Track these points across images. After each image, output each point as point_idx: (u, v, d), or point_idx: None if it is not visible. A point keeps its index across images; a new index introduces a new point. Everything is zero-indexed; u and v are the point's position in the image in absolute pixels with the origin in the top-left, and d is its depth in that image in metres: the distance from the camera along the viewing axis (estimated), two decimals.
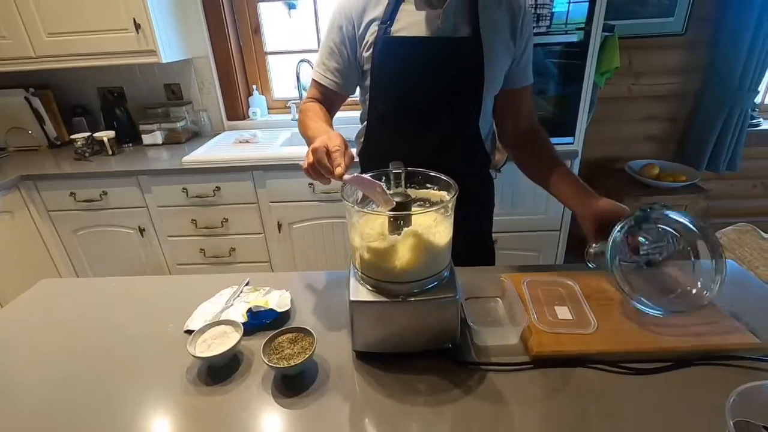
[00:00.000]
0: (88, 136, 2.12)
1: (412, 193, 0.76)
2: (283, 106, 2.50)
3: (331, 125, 0.91)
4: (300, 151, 1.96)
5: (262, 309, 0.84)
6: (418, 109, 0.98)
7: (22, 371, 0.78)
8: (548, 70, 1.88)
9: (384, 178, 0.74)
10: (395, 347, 0.74)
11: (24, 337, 0.87)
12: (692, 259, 0.77)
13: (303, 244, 2.10)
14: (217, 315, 0.85)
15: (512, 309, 0.81)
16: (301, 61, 2.20)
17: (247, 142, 2.14)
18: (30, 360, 0.80)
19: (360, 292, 0.72)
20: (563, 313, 0.80)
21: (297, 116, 2.31)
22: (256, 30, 2.35)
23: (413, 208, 0.73)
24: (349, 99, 1.08)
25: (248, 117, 2.44)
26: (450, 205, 0.70)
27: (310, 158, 0.70)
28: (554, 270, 0.97)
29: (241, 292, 0.93)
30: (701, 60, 2.23)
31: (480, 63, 0.92)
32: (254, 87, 2.43)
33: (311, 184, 1.93)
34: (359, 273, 0.74)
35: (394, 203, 0.69)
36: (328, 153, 0.69)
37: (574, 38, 1.78)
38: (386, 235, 0.69)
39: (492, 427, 0.62)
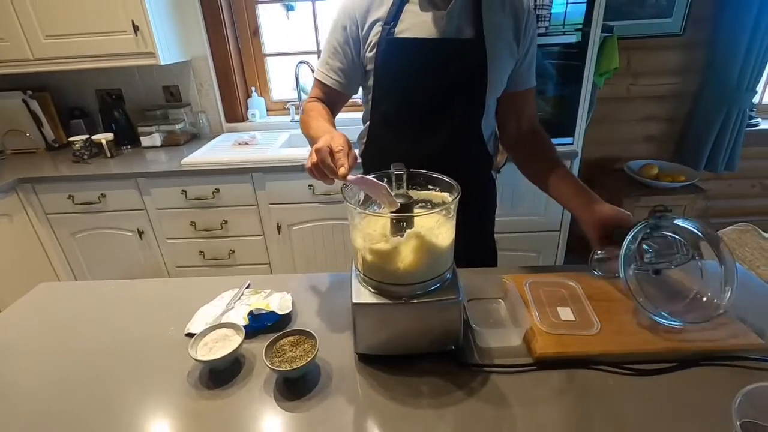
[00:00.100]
0: (87, 139, 2.11)
1: (414, 194, 0.76)
2: (281, 108, 2.49)
3: (333, 125, 0.91)
4: (299, 153, 1.96)
5: (264, 312, 0.83)
6: (421, 110, 0.98)
7: (22, 375, 0.77)
8: (547, 70, 1.88)
9: (386, 179, 0.74)
10: (398, 349, 0.73)
11: (23, 340, 0.86)
12: (700, 264, 0.76)
13: (302, 246, 2.09)
14: (218, 318, 0.84)
15: (515, 310, 0.81)
16: (300, 62, 2.20)
17: (246, 143, 2.13)
18: (30, 364, 0.80)
19: (362, 295, 0.71)
20: (566, 314, 0.80)
21: (296, 118, 2.32)
22: (255, 32, 2.35)
23: (415, 210, 0.73)
24: (350, 100, 1.07)
25: (247, 119, 2.43)
26: (453, 206, 0.70)
27: (314, 158, 0.70)
28: (556, 271, 0.97)
29: (242, 294, 0.93)
30: (699, 60, 2.24)
31: (483, 65, 0.92)
32: (253, 89, 2.43)
33: (311, 185, 1.92)
34: (361, 275, 0.74)
35: (399, 205, 0.68)
36: (331, 153, 0.68)
37: (572, 39, 1.79)
38: (389, 236, 0.69)
39: (495, 429, 0.62)
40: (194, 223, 2.02)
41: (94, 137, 2.12)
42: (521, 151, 1.07)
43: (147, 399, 0.70)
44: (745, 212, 2.59)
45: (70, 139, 2.12)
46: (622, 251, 0.74)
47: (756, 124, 2.38)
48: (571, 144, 1.97)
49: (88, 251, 2.12)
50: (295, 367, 0.68)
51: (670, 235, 0.77)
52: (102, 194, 1.96)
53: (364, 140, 1.10)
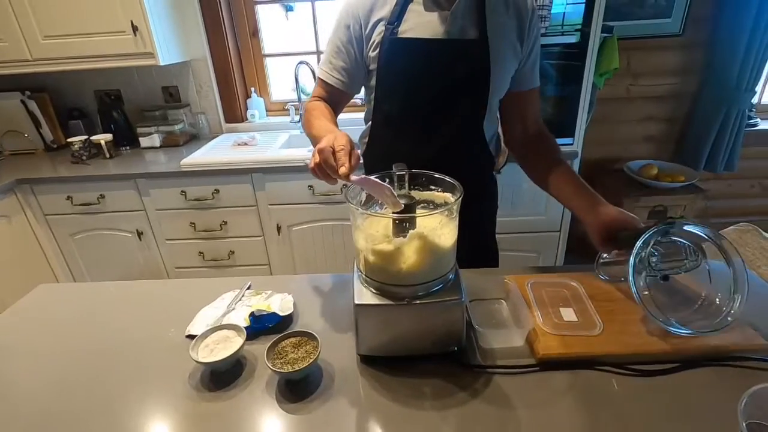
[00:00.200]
0: (85, 139, 2.11)
1: (416, 194, 0.76)
2: (281, 109, 2.49)
3: (336, 124, 0.90)
4: (299, 154, 1.95)
5: (265, 313, 0.83)
6: (423, 111, 0.98)
7: (22, 376, 0.77)
8: (547, 71, 1.88)
9: (387, 180, 0.74)
10: (400, 350, 0.73)
11: (23, 341, 0.86)
12: (708, 267, 0.75)
13: (302, 247, 2.09)
14: (218, 319, 0.84)
15: (517, 311, 0.81)
16: (300, 63, 2.19)
17: (246, 144, 2.13)
18: (29, 365, 0.79)
19: (365, 295, 0.71)
20: (568, 314, 0.80)
21: (296, 118, 2.32)
22: (254, 32, 2.34)
23: (418, 210, 0.73)
24: (351, 101, 1.07)
25: (246, 119, 2.43)
26: (455, 207, 0.70)
27: (317, 158, 0.69)
28: (558, 271, 0.97)
29: (243, 295, 0.93)
30: (699, 61, 2.24)
31: (486, 66, 0.92)
32: (252, 89, 2.42)
33: (311, 186, 1.92)
34: (363, 276, 0.73)
35: (402, 205, 0.68)
36: (333, 153, 0.68)
37: (572, 39, 1.78)
38: (391, 237, 0.69)
39: (499, 430, 0.62)
40: (194, 223, 2.02)
41: (93, 138, 2.11)
42: (526, 151, 1.06)
43: (148, 401, 0.70)
44: (745, 212, 2.59)
45: (69, 139, 2.11)
46: (632, 257, 0.72)
47: (755, 125, 2.38)
48: (571, 144, 1.97)
49: (87, 252, 2.11)
50: (297, 368, 0.68)
51: (679, 240, 0.76)
52: (101, 195, 1.95)
53: (366, 140, 1.10)
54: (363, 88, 1.06)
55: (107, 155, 2.13)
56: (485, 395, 0.67)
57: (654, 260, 0.76)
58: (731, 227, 1.33)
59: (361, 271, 0.74)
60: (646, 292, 0.73)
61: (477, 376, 0.71)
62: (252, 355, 0.77)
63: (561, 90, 1.92)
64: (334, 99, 1.02)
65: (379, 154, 1.07)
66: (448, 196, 0.75)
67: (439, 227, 0.69)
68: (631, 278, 0.73)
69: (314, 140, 0.84)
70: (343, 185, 0.70)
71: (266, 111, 2.49)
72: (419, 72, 0.94)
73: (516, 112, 1.05)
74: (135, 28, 1.89)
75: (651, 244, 0.73)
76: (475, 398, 0.67)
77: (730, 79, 2.14)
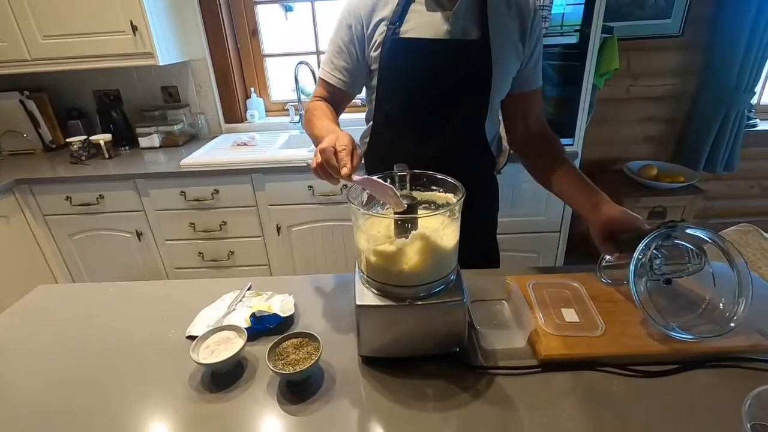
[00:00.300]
0: (84, 140, 2.10)
1: (418, 195, 0.76)
2: (281, 109, 2.49)
3: (338, 124, 0.90)
4: (299, 154, 1.95)
5: (266, 314, 0.82)
6: (425, 111, 0.97)
7: (22, 376, 0.76)
8: (547, 72, 1.88)
9: (389, 180, 0.73)
10: (402, 351, 0.73)
11: (22, 343, 0.85)
12: (712, 271, 0.74)
13: (302, 247, 2.09)
14: (219, 320, 0.84)
15: (518, 312, 0.81)
16: (300, 63, 2.19)
17: (245, 144, 2.12)
18: (29, 366, 0.79)
19: (366, 296, 0.71)
20: (570, 315, 0.80)
21: (296, 118, 2.32)
22: (254, 32, 2.34)
23: (419, 211, 0.72)
24: (351, 102, 1.07)
25: (246, 120, 2.43)
26: (457, 207, 0.69)
27: (319, 158, 0.69)
28: (559, 272, 0.96)
29: (243, 296, 0.92)
30: (698, 61, 2.24)
31: (488, 66, 0.91)
32: (252, 89, 2.42)
33: (310, 186, 1.91)
34: (365, 276, 0.73)
35: (405, 206, 0.68)
36: (335, 153, 0.68)
37: (571, 40, 1.78)
38: (393, 238, 0.69)
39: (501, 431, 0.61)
40: (193, 224, 2.01)
41: (92, 138, 2.11)
42: (528, 150, 1.06)
43: (148, 402, 0.69)
44: (745, 213, 2.60)
45: (68, 140, 2.11)
46: (633, 261, 0.72)
47: (754, 125, 2.39)
48: (571, 145, 1.97)
49: (86, 253, 2.10)
50: (298, 369, 0.67)
51: (682, 243, 0.75)
52: (100, 195, 1.95)
53: (367, 140, 1.09)
54: (364, 89, 1.05)
55: (106, 155, 2.12)
56: (487, 396, 0.67)
57: (657, 263, 0.75)
58: (732, 228, 1.33)
59: (362, 272, 0.74)
60: (645, 297, 0.72)
61: (479, 377, 0.70)
62: (253, 356, 0.77)
63: (561, 90, 1.92)
64: (336, 99, 1.01)
65: (379, 154, 1.07)
66: (450, 197, 0.75)
67: (441, 228, 0.69)
68: (631, 283, 0.72)
69: (316, 140, 0.83)
70: (344, 185, 0.70)
71: (266, 111, 2.49)
72: (421, 72, 0.94)
73: (518, 112, 1.05)
74: (134, 28, 1.88)
75: (652, 248, 0.72)
76: (477, 399, 0.66)
77: (730, 80, 2.14)
